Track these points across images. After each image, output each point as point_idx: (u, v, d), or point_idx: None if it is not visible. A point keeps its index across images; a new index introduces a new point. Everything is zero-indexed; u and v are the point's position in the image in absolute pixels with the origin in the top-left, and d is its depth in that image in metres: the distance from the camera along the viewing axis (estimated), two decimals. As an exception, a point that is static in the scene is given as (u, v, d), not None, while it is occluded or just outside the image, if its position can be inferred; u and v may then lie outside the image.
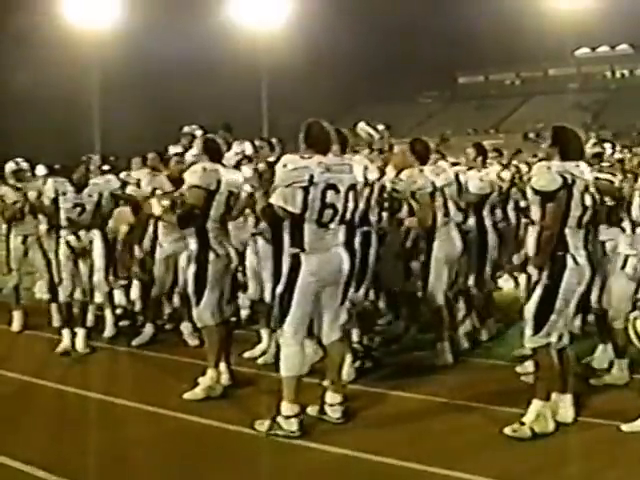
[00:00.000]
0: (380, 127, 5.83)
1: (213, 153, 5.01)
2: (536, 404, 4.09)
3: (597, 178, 4.75)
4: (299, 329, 4.21)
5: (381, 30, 45.39)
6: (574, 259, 4.06)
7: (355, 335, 5.39)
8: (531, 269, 4.19)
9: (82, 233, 6.12)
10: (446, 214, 5.58)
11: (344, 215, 4.30)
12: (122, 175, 7.40)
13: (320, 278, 4.22)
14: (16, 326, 6.96)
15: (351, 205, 4.35)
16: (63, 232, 6.13)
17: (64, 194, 6.12)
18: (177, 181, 5.95)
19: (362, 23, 43.19)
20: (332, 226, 4.24)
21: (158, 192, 5.82)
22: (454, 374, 5.29)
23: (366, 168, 5.31)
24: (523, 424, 4.05)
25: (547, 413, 4.08)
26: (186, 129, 7.74)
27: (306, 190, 4.12)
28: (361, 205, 4.90)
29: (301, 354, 4.23)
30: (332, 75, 41.16)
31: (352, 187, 4.34)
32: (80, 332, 6.17)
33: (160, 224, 6.26)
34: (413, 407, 4.64)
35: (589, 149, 5.52)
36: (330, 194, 4.19)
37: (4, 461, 3.89)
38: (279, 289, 4.23)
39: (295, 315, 4.19)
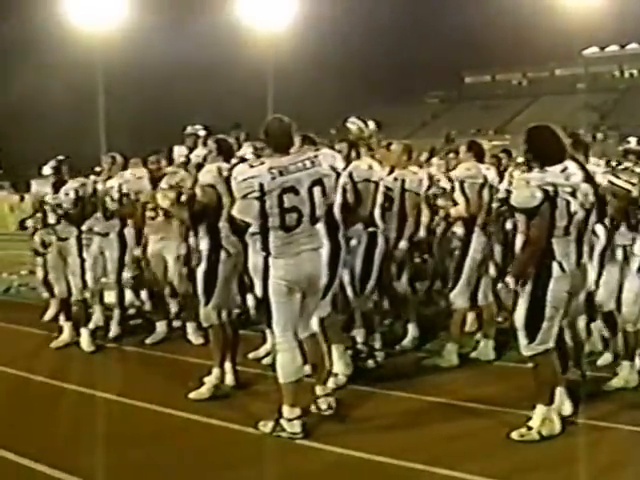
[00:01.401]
0: (370, 123, 5.78)
1: (227, 153, 5.03)
2: (540, 409, 4.06)
3: (612, 183, 4.68)
4: (287, 331, 4.16)
5: (387, 31, 45.47)
6: (560, 266, 3.94)
7: (360, 336, 5.37)
8: (509, 278, 4.03)
9: (59, 228, 6.15)
10: (488, 213, 5.43)
11: (314, 215, 4.10)
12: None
13: (290, 283, 4.11)
14: (48, 315, 7.20)
15: (319, 202, 4.10)
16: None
17: (45, 195, 6.21)
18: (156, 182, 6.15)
19: (368, 24, 43.32)
20: (301, 229, 4.09)
21: (164, 186, 5.83)
22: (457, 375, 5.27)
23: (370, 168, 5.30)
24: (530, 428, 4.02)
25: (552, 416, 4.06)
26: (189, 129, 7.69)
27: (261, 199, 4.00)
28: (338, 198, 4.51)
29: (295, 360, 4.17)
30: (338, 76, 41.25)
31: (317, 183, 4.08)
32: (84, 332, 6.20)
33: (147, 223, 6.34)
34: (415, 408, 4.62)
35: (634, 146, 5.41)
36: (289, 198, 4.01)
37: (11, 457, 3.92)
38: (259, 294, 4.19)
39: (277, 317, 4.15)
